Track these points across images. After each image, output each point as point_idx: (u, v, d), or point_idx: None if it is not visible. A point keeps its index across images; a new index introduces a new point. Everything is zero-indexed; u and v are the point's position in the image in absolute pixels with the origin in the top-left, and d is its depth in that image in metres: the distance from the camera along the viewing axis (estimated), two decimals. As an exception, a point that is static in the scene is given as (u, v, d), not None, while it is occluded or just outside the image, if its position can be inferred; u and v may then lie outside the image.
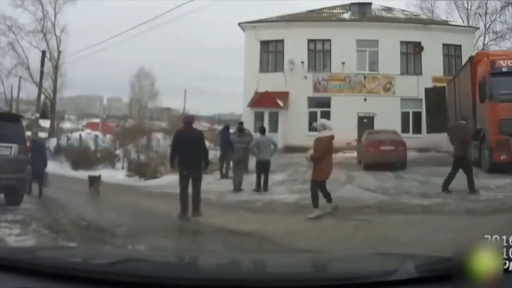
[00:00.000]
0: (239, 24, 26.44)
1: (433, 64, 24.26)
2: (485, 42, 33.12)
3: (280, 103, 24.50)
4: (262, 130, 12.96)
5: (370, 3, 26.95)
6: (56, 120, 37.27)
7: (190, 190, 8.44)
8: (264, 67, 26.10)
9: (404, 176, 14.10)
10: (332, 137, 8.61)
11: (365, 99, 24.76)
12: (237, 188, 12.04)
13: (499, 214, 8.12)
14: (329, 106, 25.09)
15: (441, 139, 21.70)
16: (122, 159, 20.85)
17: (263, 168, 11.90)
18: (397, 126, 20.98)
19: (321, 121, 9.34)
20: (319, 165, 8.42)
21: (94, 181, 12.82)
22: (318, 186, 8.53)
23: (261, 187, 11.88)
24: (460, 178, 13.26)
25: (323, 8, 27.68)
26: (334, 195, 11.31)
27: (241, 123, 14.21)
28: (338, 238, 6.47)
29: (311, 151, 8.54)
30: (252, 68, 25.49)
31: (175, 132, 9.14)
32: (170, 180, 14.71)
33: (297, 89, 24.77)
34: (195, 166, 8.41)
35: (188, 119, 9.00)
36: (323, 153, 8.48)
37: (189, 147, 8.29)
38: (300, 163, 18.25)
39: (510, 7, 31.97)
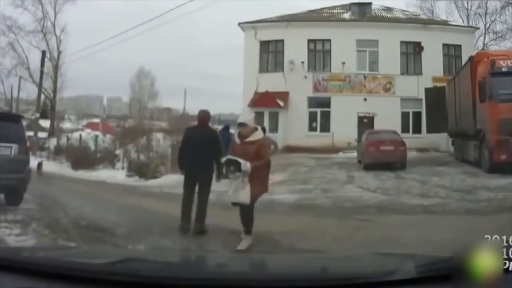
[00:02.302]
0: (239, 24, 26.45)
1: (433, 64, 24.28)
2: (485, 42, 33.19)
3: (280, 103, 24.51)
4: (262, 130, 12.96)
5: (370, 3, 26.96)
6: (56, 120, 37.29)
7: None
8: (264, 67, 26.10)
9: (404, 176, 14.10)
10: (266, 138, 6.98)
11: (365, 99, 24.77)
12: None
13: (499, 214, 8.11)
14: (329, 106, 25.12)
15: (441, 139, 21.79)
16: (122, 159, 20.84)
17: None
18: (397, 126, 20.99)
19: (247, 118, 6.76)
20: (260, 178, 6.17)
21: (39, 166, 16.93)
22: (252, 206, 6.20)
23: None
24: (460, 178, 13.30)
25: (323, 8, 27.70)
26: (335, 195, 11.37)
27: (241, 123, 14.25)
28: (338, 238, 6.47)
29: (244, 162, 5.95)
30: (251, 68, 25.50)
31: (186, 129, 7.80)
32: (170, 180, 14.71)
33: (297, 89, 24.79)
34: (205, 169, 7.09)
35: (204, 115, 7.53)
36: (268, 159, 6.58)
37: (201, 147, 7.07)
38: (300, 163, 18.33)
39: (510, 7, 32.02)
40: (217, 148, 7.19)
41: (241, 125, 6.30)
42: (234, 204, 6.25)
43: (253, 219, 6.17)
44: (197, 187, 7.11)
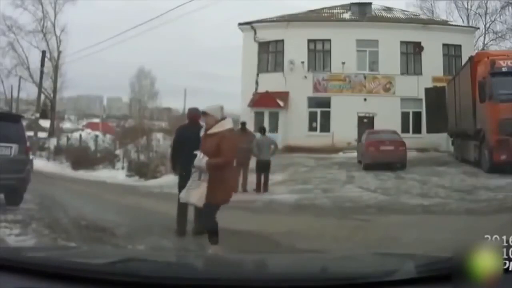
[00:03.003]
0: (239, 24, 26.46)
1: (433, 64, 24.28)
2: (485, 42, 33.19)
3: (280, 103, 24.51)
4: (262, 130, 12.94)
5: (370, 3, 26.96)
6: (56, 120, 37.30)
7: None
8: (264, 67, 26.10)
9: (404, 176, 14.10)
10: (232, 131, 5.67)
11: (365, 99, 24.77)
12: (243, 189, 11.87)
13: (499, 214, 8.11)
14: (329, 106, 25.12)
15: (441, 139, 21.79)
16: (122, 159, 20.84)
17: (263, 168, 11.86)
18: (397, 126, 20.98)
19: (211, 106, 5.58)
20: (220, 179, 5.18)
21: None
22: (215, 211, 5.30)
23: (261, 187, 11.86)
24: (460, 178, 13.30)
25: (323, 8, 27.70)
26: (335, 195, 11.37)
27: (243, 123, 14.19)
28: (338, 238, 6.47)
29: (202, 156, 5.24)
30: (249, 70, 25.51)
31: (177, 129, 7.51)
32: (170, 180, 14.71)
33: (297, 89, 24.79)
34: None
35: (193, 113, 7.22)
36: (232, 158, 5.45)
37: (193, 146, 6.63)
38: (300, 163, 18.33)
39: (510, 7, 32.02)
40: None
41: (203, 114, 5.53)
42: (182, 203, 5.79)
43: (215, 225, 5.23)
44: None
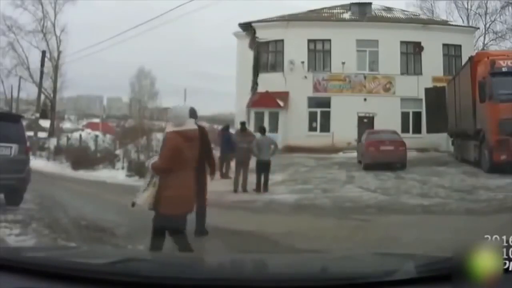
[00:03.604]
0: (239, 24, 26.46)
1: (433, 64, 24.28)
2: (485, 42, 33.18)
3: (280, 103, 24.50)
4: (262, 130, 12.95)
5: (370, 3, 26.96)
6: (56, 120, 37.29)
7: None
8: (264, 67, 26.10)
9: (404, 176, 14.10)
10: (195, 132, 4.80)
11: (365, 99, 24.77)
12: (243, 189, 11.87)
13: (499, 214, 8.11)
14: (329, 106, 25.12)
15: (441, 139, 21.80)
16: (122, 159, 20.82)
17: (263, 168, 11.80)
18: (397, 126, 20.98)
19: (175, 108, 4.98)
20: (165, 185, 4.55)
21: None
22: (163, 222, 4.57)
23: (261, 187, 11.83)
24: (460, 178, 13.30)
25: (323, 8, 27.69)
26: (335, 195, 11.37)
27: (243, 123, 14.15)
28: (338, 238, 6.47)
29: (150, 160, 4.91)
30: (244, 76, 25.41)
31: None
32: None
33: (297, 89, 24.78)
34: (198, 171, 6.35)
35: (191, 113, 7.34)
36: (171, 161, 4.57)
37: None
38: (300, 163, 18.33)
39: (510, 7, 32.01)
40: (207, 146, 6.62)
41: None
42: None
43: (160, 240, 4.67)
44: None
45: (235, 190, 11.90)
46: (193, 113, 4.98)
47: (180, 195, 4.55)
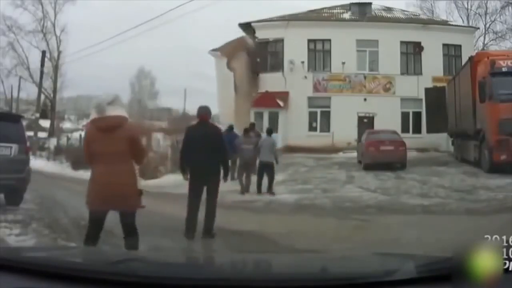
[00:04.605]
0: (239, 24, 26.46)
1: (433, 64, 24.29)
2: (485, 42, 33.20)
3: (280, 103, 24.49)
4: (268, 131, 12.58)
5: (370, 3, 26.97)
6: (56, 120, 37.31)
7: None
8: (263, 67, 26.08)
9: (404, 176, 14.11)
10: (118, 120, 4.36)
11: (365, 99, 24.78)
12: (246, 190, 11.68)
13: (499, 214, 8.12)
14: (329, 106, 25.12)
15: (441, 139, 21.80)
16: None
17: (264, 170, 11.55)
18: (397, 126, 20.99)
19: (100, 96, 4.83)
20: (90, 179, 4.58)
21: None
22: (89, 218, 4.71)
23: (266, 189, 11.45)
24: (460, 178, 13.31)
25: (323, 8, 27.70)
26: (335, 195, 11.37)
27: (251, 124, 13.91)
28: (338, 238, 6.47)
29: None
30: (226, 98, 24.41)
31: (187, 129, 7.08)
32: (170, 180, 14.71)
33: (297, 89, 24.79)
34: (211, 172, 6.52)
35: (204, 112, 6.86)
36: (86, 154, 4.54)
37: (204, 147, 6.46)
38: (300, 163, 18.33)
39: (510, 7, 32.04)
40: (221, 146, 6.67)
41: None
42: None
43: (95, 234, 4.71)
44: (204, 189, 6.62)
45: (242, 192, 11.69)
46: (117, 100, 4.51)
47: (94, 190, 4.41)
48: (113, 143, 4.25)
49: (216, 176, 6.66)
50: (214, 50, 25.68)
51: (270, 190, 11.46)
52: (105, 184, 4.29)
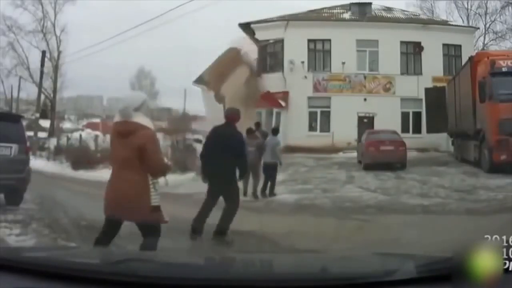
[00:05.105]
0: (239, 24, 26.45)
1: (433, 64, 24.28)
2: (485, 42, 33.18)
3: (282, 103, 24.42)
4: (274, 131, 12.21)
5: (370, 3, 26.96)
6: (56, 120, 37.29)
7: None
8: (264, 67, 26.08)
9: (404, 176, 14.11)
10: (134, 126, 4.06)
11: (365, 99, 24.77)
12: (253, 196, 11.06)
13: (499, 214, 8.12)
14: (329, 106, 25.11)
15: (441, 139, 21.80)
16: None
17: (266, 171, 11.15)
18: (397, 126, 20.98)
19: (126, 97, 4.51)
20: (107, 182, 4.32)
21: None
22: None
23: (267, 191, 11.20)
24: (460, 178, 13.30)
25: (323, 8, 27.69)
26: (335, 195, 11.36)
27: (257, 123, 13.19)
28: (338, 238, 6.47)
29: None
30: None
31: (212, 129, 6.87)
32: (170, 180, 14.68)
33: (297, 89, 24.77)
34: (231, 175, 6.48)
35: (231, 113, 6.72)
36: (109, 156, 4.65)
37: (224, 147, 6.36)
38: (300, 163, 18.32)
39: (510, 7, 32.01)
40: (242, 152, 6.53)
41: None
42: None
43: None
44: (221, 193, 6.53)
45: (244, 194, 11.07)
46: (144, 106, 4.21)
47: (106, 196, 4.21)
48: (125, 150, 4.06)
49: (234, 183, 6.61)
50: (197, 81, 24.09)
51: (271, 191, 11.28)
52: (114, 190, 4.16)
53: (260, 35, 25.92)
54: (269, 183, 11.29)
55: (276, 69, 25.69)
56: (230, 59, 23.35)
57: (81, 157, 21.27)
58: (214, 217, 6.68)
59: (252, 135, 11.76)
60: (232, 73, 22.82)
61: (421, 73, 24.67)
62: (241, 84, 22.66)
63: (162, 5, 47.26)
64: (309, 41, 25.55)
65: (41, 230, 6.72)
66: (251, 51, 25.01)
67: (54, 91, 36.50)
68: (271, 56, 26.32)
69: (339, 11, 27.47)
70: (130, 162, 4.04)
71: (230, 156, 6.34)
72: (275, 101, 24.34)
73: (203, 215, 6.48)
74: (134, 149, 4.00)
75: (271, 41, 25.83)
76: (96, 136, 26.55)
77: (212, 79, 22.69)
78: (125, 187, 4.06)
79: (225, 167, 6.36)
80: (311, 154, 20.88)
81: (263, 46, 25.97)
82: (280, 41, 25.75)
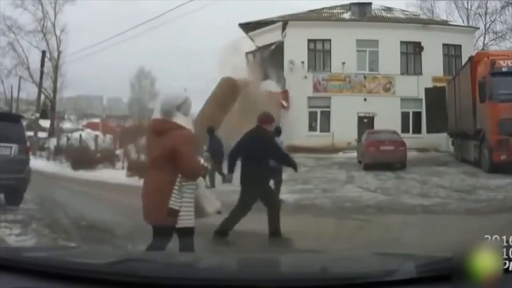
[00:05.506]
0: (239, 24, 26.46)
1: (433, 64, 24.27)
2: (485, 42, 33.19)
3: (284, 103, 24.36)
4: (277, 131, 10.83)
5: (370, 3, 26.97)
6: (56, 120, 37.31)
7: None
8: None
9: (404, 176, 14.11)
10: (172, 125, 3.85)
11: (365, 99, 24.76)
12: None
13: (499, 214, 8.12)
14: (329, 106, 25.11)
15: (441, 139, 21.80)
16: (122, 159, 20.83)
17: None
18: (397, 126, 20.98)
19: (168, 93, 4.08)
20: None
21: None
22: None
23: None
24: (461, 178, 13.30)
25: (323, 8, 27.69)
26: (335, 195, 11.36)
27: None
28: (338, 238, 6.46)
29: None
30: None
31: (245, 134, 6.78)
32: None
33: (297, 89, 24.76)
34: (266, 184, 6.60)
35: (268, 117, 6.68)
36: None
37: (255, 152, 6.36)
38: (301, 163, 18.29)
39: (510, 7, 32.03)
40: (278, 153, 6.67)
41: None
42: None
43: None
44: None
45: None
46: (186, 104, 3.96)
47: (142, 202, 4.01)
48: (157, 148, 3.87)
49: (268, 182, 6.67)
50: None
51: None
52: (143, 189, 4.02)
53: (259, 42, 25.84)
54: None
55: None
56: (225, 95, 22.29)
57: (81, 157, 21.28)
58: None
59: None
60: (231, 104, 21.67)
61: (421, 73, 24.67)
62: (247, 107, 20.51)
63: (162, 5, 47.32)
64: (309, 41, 25.55)
65: (41, 230, 6.72)
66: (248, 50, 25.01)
67: (54, 91, 36.52)
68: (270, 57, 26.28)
69: (339, 11, 27.47)
70: (160, 162, 3.86)
71: (264, 160, 6.44)
72: (278, 101, 24.30)
73: (234, 221, 6.36)
74: (165, 149, 3.80)
75: (270, 47, 25.76)
76: (96, 136, 26.56)
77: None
78: (150, 187, 3.94)
79: (261, 172, 6.39)
80: (311, 154, 20.86)
81: (263, 50, 25.87)
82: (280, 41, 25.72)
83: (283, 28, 25.33)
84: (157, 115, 3.97)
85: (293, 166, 6.89)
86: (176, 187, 3.78)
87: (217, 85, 23.82)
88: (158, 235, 3.94)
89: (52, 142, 27.93)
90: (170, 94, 4.00)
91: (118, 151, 22.36)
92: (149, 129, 4.09)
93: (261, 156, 6.38)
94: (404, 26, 25.36)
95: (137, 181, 17.49)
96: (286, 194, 11.42)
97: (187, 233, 3.88)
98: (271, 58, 25.75)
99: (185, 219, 3.81)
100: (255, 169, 6.34)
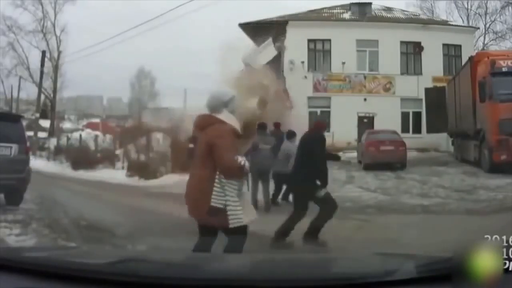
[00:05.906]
0: (240, 24, 26.44)
1: (433, 64, 24.27)
2: (485, 42, 33.19)
3: (289, 103, 24.26)
4: (290, 135, 9.98)
5: (370, 3, 26.96)
6: (56, 120, 37.29)
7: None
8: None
9: (404, 176, 14.11)
10: (213, 120, 3.95)
11: (365, 99, 24.76)
12: (265, 210, 9.03)
13: (499, 214, 8.12)
14: (329, 106, 25.11)
15: (441, 139, 21.79)
16: (122, 159, 20.83)
17: (278, 181, 9.59)
18: (397, 126, 20.98)
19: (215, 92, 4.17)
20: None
21: None
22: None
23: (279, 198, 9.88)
24: (461, 178, 13.30)
25: (323, 8, 27.68)
26: (335, 195, 11.32)
27: (262, 123, 11.34)
28: (338, 238, 6.46)
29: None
30: None
31: (318, 138, 7.02)
32: (170, 180, 14.71)
33: (297, 89, 24.74)
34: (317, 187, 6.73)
35: (324, 124, 7.25)
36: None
37: (310, 159, 6.67)
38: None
39: (510, 7, 32.03)
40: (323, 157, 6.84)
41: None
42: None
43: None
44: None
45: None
46: (232, 102, 4.02)
47: (185, 198, 4.00)
48: (199, 144, 3.91)
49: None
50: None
51: (285, 197, 9.86)
52: (187, 186, 4.01)
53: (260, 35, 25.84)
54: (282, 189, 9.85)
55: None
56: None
57: (81, 157, 21.28)
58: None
59: (263, 131, 10.03)
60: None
61: (421, 73, 24.67)
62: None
63: (162, 5, 47.34)
64: (309, 41, 25.55)
65: (41, 230, 6.72)
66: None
67: (54, 91, 36.51)
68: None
69: (339, 11, 27.47)
70: (201, 158, 3.86)
71: (325, 164, 6.84)
72: (283, 101, 24.21)
73: (290, 227, 6.40)
74: (206, 144, 3.81)
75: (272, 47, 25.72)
76: (96, 136, 26.55)
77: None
78: (192, 184, 3.93)
79: (324, 175, 6.79)
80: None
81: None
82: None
83: (283, 29, 25.34)
84: (203, 111, 4.03)
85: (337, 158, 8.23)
86: (217, 185, 3.75)
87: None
88: (204, 234, 3.93)
89: (52, 142, 27.92)
90: (218, 92, 4.12)
91: (118, 151, 22.35)
92: (194, 124, 4.12)
93: (323, 160, 6.84)
94: (404, 26, 25.36)
95: (137, 181, 17.56)
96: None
97: (237, 233, 3.84)
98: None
99: (233, 219, 3.79)
100: (317, 172, 6.76)
